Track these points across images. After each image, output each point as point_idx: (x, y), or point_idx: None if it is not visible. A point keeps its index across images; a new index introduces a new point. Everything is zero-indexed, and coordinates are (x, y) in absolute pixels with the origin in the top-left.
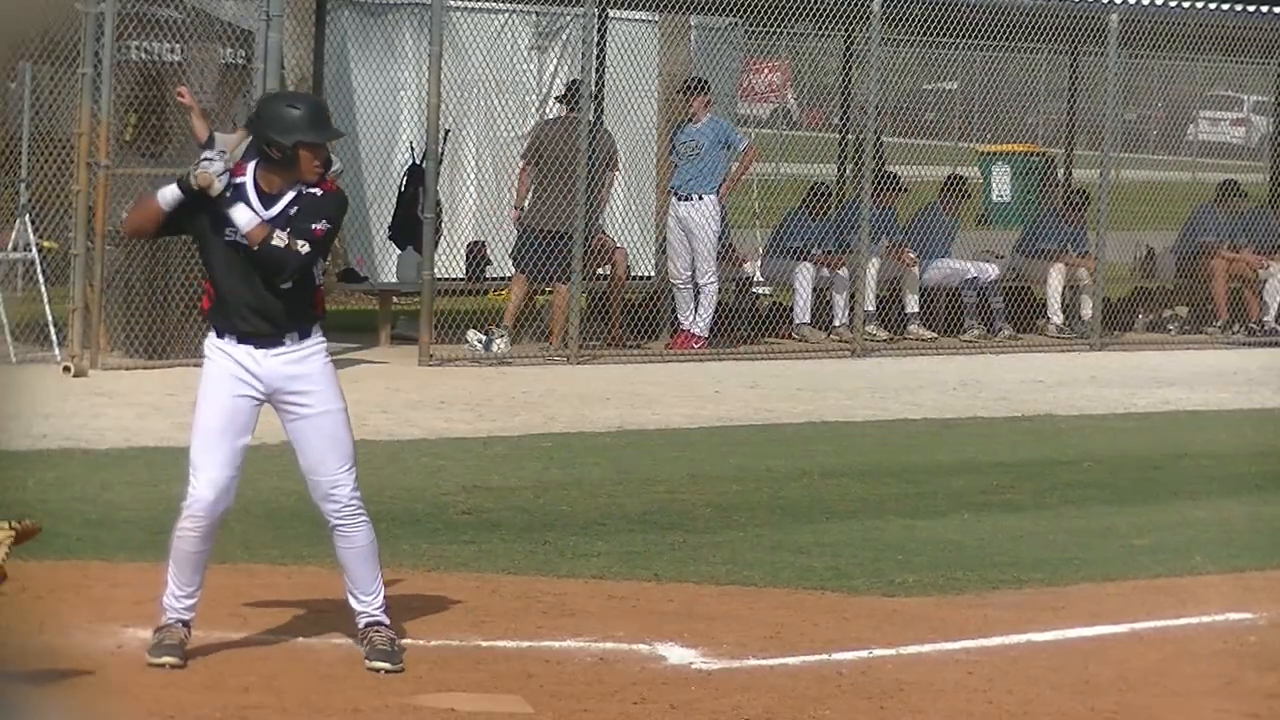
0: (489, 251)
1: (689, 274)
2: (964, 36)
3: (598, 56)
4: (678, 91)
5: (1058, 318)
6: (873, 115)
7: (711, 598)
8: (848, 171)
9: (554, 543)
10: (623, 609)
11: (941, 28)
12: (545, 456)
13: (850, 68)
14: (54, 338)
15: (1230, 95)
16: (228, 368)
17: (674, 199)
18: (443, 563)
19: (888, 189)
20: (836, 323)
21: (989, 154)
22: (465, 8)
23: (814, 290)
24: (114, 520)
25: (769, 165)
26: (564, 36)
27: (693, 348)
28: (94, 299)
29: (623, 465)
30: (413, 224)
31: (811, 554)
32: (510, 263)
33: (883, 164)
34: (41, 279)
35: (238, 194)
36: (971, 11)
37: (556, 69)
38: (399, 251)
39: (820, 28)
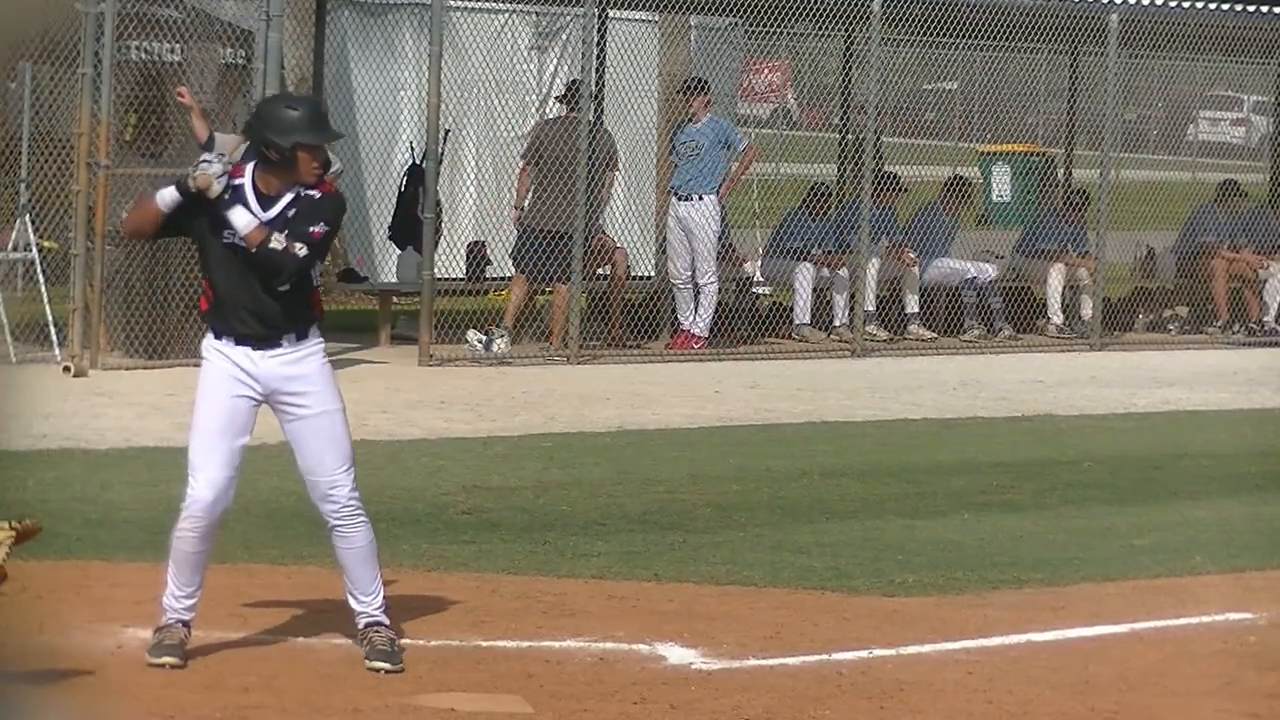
0: (489, 251)
1: (689, 274)
2: (964, 36)
3: (598, 56)
4: (678, 91)
5: (1058, 318)
6: (873, 115)
7: (711, 598)
8: (848, 171)
9: (554, 543)
10: (623, 609)
11: (941, 28)
12: (545, 456)
13: (850, 68)
14: (54, 338)
15: (1230, 95)
16: (225, 368)
17: (674, 199)
18: (443, 563)
19: (888, 189)
20: (836, 323)
21: (989, 154)
22: (465, 8)
23: (814, 290)
24: (114, 520)
25: (769, 165)
26: (564, 36)
27: (693, 348)
28: (94, 299)
29: (623, 465)
30: (413, 224)
31: (811, 554)
32: (510, 263)
33: (881, 163)
34: (41, 279)
35: (236, 196)
36: (971, 11)
37: (556, 69)
38: (399, 251)
39: (820, 28)
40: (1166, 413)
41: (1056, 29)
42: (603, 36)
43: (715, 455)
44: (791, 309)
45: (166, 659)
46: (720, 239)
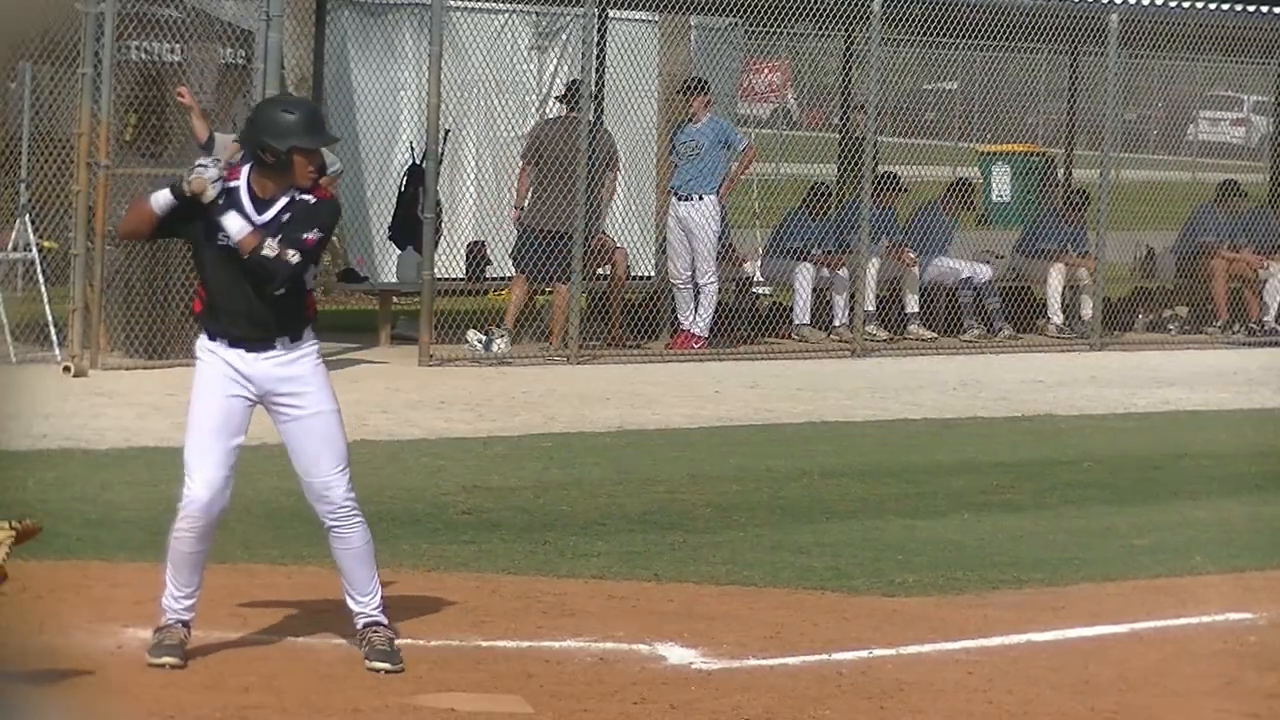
0: (489, 251)
1: (689, 274)
2: (964, 36)
3: (598, 56)
4: (678, 91)
5: (1058, 318)
6: (872, 115)
7: (711, 598)
8: (847, 171)
9: (554, 543)
10: (623, 609)
11: (941, 28)
12: (545, 456)
13: (850, 68)
14: (54, 338)
15: (1230, 95)
16: (220, 369)
17: (674, 199)
18: (443, 563)
19: (887, 189)
20: (836, 323)
21: (989, 154)
22: (465, 8)
23: (814, 290)
24: (114, 520)
25: (769, 165)
26: (564, 36)
27: (693, 348)
28: (94, 299)
29: (623, 465)
30: (413, 224)
31: (811, 554)
32: (510, 263)
33: (876, 163)
34: (41, 279)
35: (231, 199)
36: (971, 11)
37: (556, 69)
38: (399, 251)
39: (820, 28)
40: (1166, 413)
41: (1056, 29)
42: (603, 36)
43: (715, 455)
44: (791, 309)
45: (166, 659)
46: (720, 239)
